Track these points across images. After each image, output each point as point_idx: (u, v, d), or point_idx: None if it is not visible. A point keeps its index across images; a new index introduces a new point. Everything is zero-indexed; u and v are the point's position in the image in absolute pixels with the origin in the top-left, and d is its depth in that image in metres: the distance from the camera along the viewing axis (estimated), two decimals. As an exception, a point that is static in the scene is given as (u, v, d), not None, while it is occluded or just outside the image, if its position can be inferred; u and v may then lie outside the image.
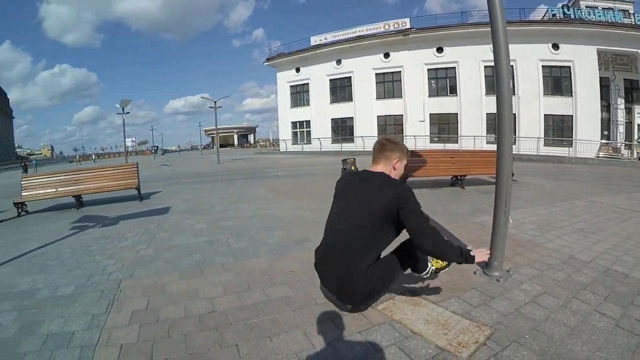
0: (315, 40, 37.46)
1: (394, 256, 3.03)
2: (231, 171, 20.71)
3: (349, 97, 36.24)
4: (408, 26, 32.04)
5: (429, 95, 32.12)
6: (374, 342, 2.68)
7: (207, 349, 2.72)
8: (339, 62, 36.20)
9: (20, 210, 9.25)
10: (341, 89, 36.97)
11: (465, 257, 2.95)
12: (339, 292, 3.01)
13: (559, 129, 27.87)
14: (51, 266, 4.90)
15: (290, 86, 40.51)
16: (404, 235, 2.91)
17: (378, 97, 34.53)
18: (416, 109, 32.17)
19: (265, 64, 41.84)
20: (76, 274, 4.53)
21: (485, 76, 28.98)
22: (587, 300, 3.25)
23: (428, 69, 31.91)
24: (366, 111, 34.70)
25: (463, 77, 29.72)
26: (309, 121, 39.16)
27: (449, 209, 7.53)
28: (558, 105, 27.43)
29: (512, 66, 26.33)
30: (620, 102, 27.68)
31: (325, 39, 36.78)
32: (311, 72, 38.06)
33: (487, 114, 28.28)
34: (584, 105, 26.33)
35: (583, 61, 26.05)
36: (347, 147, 34.01)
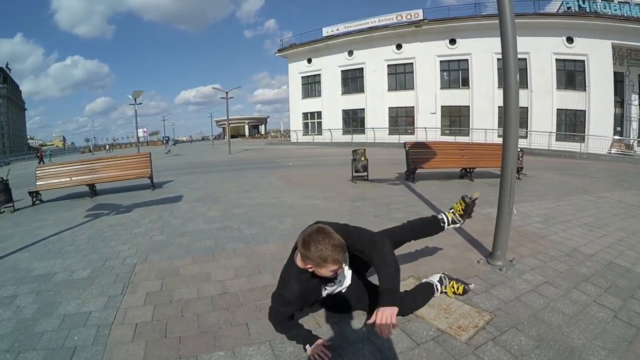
0: (327, 31, 37.12)
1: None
2: (242, 161, 20.85)
3: (360, 89, 35.96)
4: (421, 17, 31.58)
5: (441, 88, 31.71)
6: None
7: (218, 327, 2.87)
8: (350, 53, 35.89)
9: (34, 199, 9.45)
10: (353, 80, 36.66)
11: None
12: None
13: (572, 123, 27.34)
14: (67, 252, 5.08)
15: (302, 77, 40.27)
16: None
17: (390, 89, 34.21)
18: (428, 101, 31.82)
19: (277, 54, 41.62)
20: (92, 258, 4.71)
21: (498, 69, 27.80)
22: (587, 292, 3.32)
23: (440, 61, 31.47)
24: (377, 103, 34.42)
25: (476, 70, 29.26)
26: (320, 112, 38.96)
27: (456, 200, 7.51)
28: (571, 99, 26.91)
29: (525, 59, 26.07)
30: (635, 98, 27.09)
31: (337, 29, 36.44)
32: (323, 63, 37.79)
33: (499, 107, 27.64)
34: (597, 100, 25.79)
35: (597, 55, 25.47)
36: (357, 138, 33.96)
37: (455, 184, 9.86)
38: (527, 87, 27.40)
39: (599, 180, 11.39)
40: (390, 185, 9.59)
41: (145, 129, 70.95)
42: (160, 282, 3.80)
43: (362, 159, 10.08)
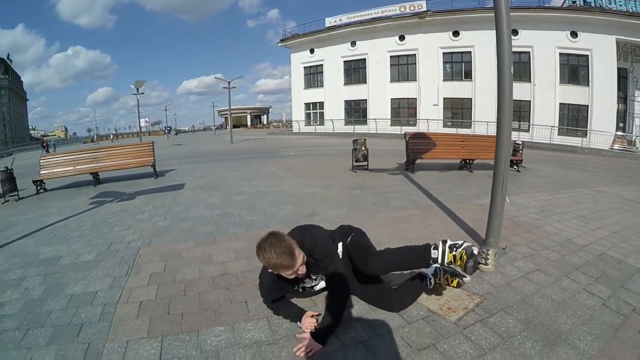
0: (330, 21, 36.94)
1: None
2: (244, 151, 20.90)
3: (363, 79, 35.86)
4: (424, 9, 31.33)
5: (444, 80, 31.59)
6: (372, 303, 2.94)
7: (219, 304, 3.03)
8: (353, 44, 35.77)
9: (39, 188, 9.56)
10: (355, 71, 36.54)
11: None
12: None
13: (574, 118, 27.21)
14: (72, 237, 5.22)
15: (304, 67, 40.16)
16: None
17: (392, 80, 34.10)
18: (430, 92, 31.73)
19: (280, 44, 41.48)
20: (97, 243, 4.85)
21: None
22: (578, 280, 3.41)
23: (443, 53, 31.32)
24: (380, 94, 34.36)
25: (479, 62, 29.04)
26: (323, 102, 38.89)
27: (454, 191, 7.66)
28: (574, 94, 26.78)
29: (528, 52, 26.08)
30: (638, 95, 26.92)
31: (340, 20, 36.25)
32: (325, 53, 37.67)
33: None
34: (600, 95, 25.70)
35: (601, 51, 25.35)
36: (359, 129, 33.93)
37: (454, 175, 9.94)
38: (530, 81, 27.41)
39: (598, 175, 11.46)
40: (389, 175, 9.69)
41: (147, 119, 70.97)
42: (164, 264, 3.94)
43: (363, 148, 10.17)
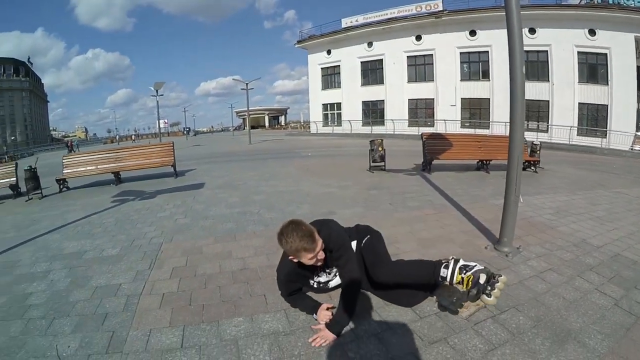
0: (346, 22, 36.95)
1: None
2: (262, 151, 21.12)
3: (380, 80, 35.76)
4: (440, 8, 31.10)
5: (461, 80, 31.31)
6: (385, 297, 3.02)
7: (238, 297, 3.17)
8: (370, 44, 35.74)
9: (61, 187, 9.89)
10: (372, 72, 36.49)
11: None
12: None
13: (593, 118, 26.60)
14: (96, 233, 5.44)
15: (322, 68, 40.27)
16: None
17: (409, 80, 33.93)
18: (447, 93, 31.50)
19: (297, 46, 41.66)
20: (120, 238, 5.05)
21: None
22: (591, 280, 3.41)
23: (460, 53, 31.05)
24: (397, 94, 34.22)
25: (496, 62, 28.47)
26: (340, 103, 38.92)
27: (470, 191, 7.67)
28: (593, 93, 26.20)
29: (546, 51, 25.70)
30: (659, 94, 26.38)
31: (357, 21, 36.24)
32: (342, 54, 37.69)
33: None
34: (620, 94, 25.08)
35: (620, 49, 24.77)
36: (377, 130, 33.81)
37: (470, 175, 9.91)
38: (548, 80, 27.03)
39: (617, 176, 11.26)
40: (406, 176, 9.72)
41: (166, 120, 72.19)
42: (185, 259, 4.10)
43: (380, 149, 10.23)
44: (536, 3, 27.16)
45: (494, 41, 28.06)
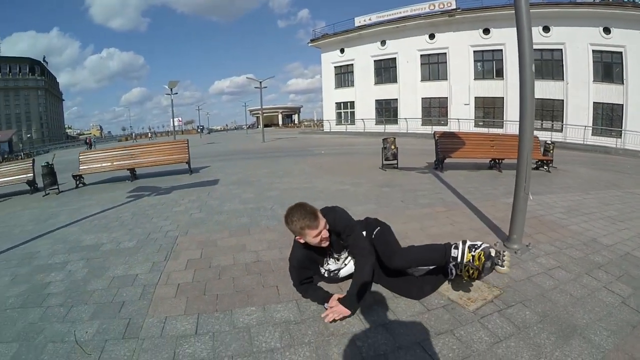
0: (359, 21, 36.83)
1: None
2: (276, 149, 21.27)
3: (393, 79, 35.62)
4: (453, 6, 30.77)
5: (475, 78, 30.98)
6: (394, 291, 3.10)
7: (251, 288, 3.28)
8: (383, 43, 35.59)
9: (78, 182, 10.13)
10: (385, 70, 36.30)
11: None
12: None
13: (608, 118, 26.00)
14: (113, 226, 5.61)
15: (335, 67, 40.16)
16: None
17: (423, 79, 33.75)
18: (461, 91, 31.25)
19: (310, 44, 41.61)
20: (136, 232, 5.21)
21: (535, 59, 27.09)
22: (599, 278, 3.42)
23: (474, 51, 30.71)
24: (410, 93, 34.02)
25: (510, 60, 27.89)
26: (353, 102, 38.83)
27: (482, 189, 7.67)
28: (608, 92, 25.63)
29: (560, 50, 25.38)
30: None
31: (370, 19, 36.12)
32: (355, 53, 37.61)
33: (535, 98, 26.51)
34: (635, 94, 24.49)
35: (635, 47, 24.21)
36: (390, 128, 33.75)
37: (483, 174, 9.89)
38: (562, 79, 26.64)
39: (631, 177, 11.11)
40: (419, 174, 9.74)
41: (180, 118, 72.72)
42: (200, 251, 4.23)
43: (392, 147, 10.28)
44: (550, 1, 26.83)
45: (507, 39, 27.70)
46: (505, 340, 2.44)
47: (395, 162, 10.38)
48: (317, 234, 2.68)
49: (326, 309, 2.77)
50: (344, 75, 39.73)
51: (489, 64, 30.66)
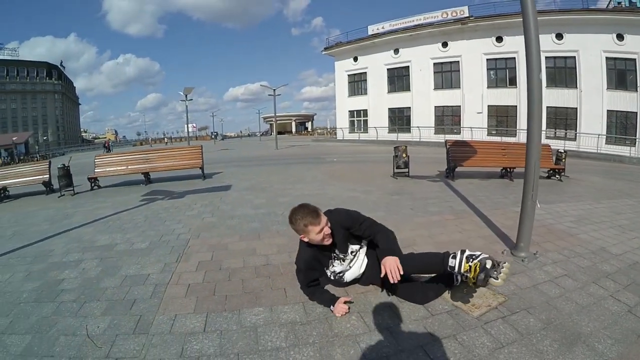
0: (372, 29, 37.01)
1: None
2: (289, 156, 21.44)
3: (406, 87, 35.64)
4: (466, 14, 30.81)
5: (488, 87, 30.86)
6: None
7: (260, 290, 3.36)
8: (396, 51, 35.68)
9: (93, 185, 10.39)
10: (399, 79, 36.37)
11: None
12: None
13: (622, 126, 25.66)
14: (126, 228, 5.77)
15: (348, 75, 40.35)
16: None
17: (436, 87, 33.74)
18: (474, 100, 31.12)
19: (324, 52, 41.91)
20: (149, 234, 5.35)
21: (547, 67, 26.64)
22: (606, 287, 3.39)
23: (487, 59, 30.61)
24: (423, 101, 34.01)
25: (523, 68, 27.47)
26: (366, 110, 38.93)
27: (492, 198, 7.66)
28: (622, 100, 25.29)
29: (574, 57, 25.24)
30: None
31: (383, 28, 36.30)
32: (369, 61, 37.80)
33: (547, 107, 26.39)
34: None
35: None
36: (403, 136, 33.69)
37: (494, 183, 9.85)
38: (576, 87, 26.43)
39: (643, 185, 10.97)
40: (429, 182, 9.76)
41: (194, 124, 73.88)
42: (211, 254, 4.34)
43: (404, 155, 10.31)
44: (563, 8, 26.67)
45: (520, 47, 27.14)
46: (508, 346, 2.46)
47: (406, 170, 10.41)
48: (320, 230, 2.82)
49: (332, 311, 2.85)
50: (357, 84, 39.90)
51: (502, 72, 30.55)
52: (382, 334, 2.61)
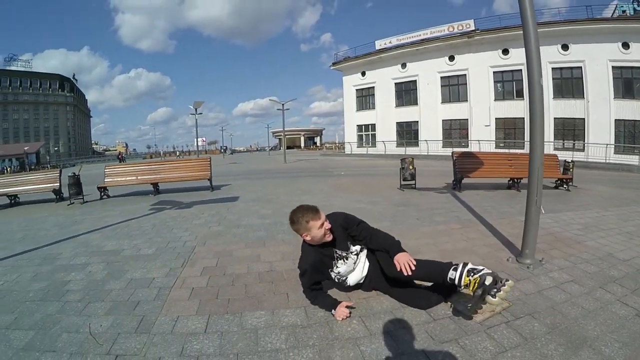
0: (380, 44, 37.42)
1: None
2: (297, 170, 21.51)
3: (414, 101, 35.87)
4: (472, 28, 31.09)
5: (495, 99, 30.97)
6: (403, 301, 3.14)
7: (262, 294, 3.39)
8: (404, 65, 36.01)
9: (102, 194, 10.57)
10: (406, 93, 36.63)
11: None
12: None
13: (630, 135, 25.55)
14: (134, 235, 5.87)
15: (356, 90, 40.73)
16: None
17: (443, 101, 33.92)
18: (481, 113, 31.20)
19: (332, 67, 42.42)
20: (156, 240, 5.42)
21: (553, 78, 27.16)
22: (613, 291, 3.36)
23: (494, 72, 30.77)
24: (431, 115, 34.22)
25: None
26: (374, 124, 39.20)
27: (499, 208, 7.62)
28: (629, 109, 25.22)
29: (580, 67, 25.29)
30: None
31: (390, 42, 36.68)
32: (376, 75, 38.14)
33: (554, 118, 26.77)
34: None
35: None
36: (411, 150, 33.73)
37: (501, 193, 9.80)
38: (583, 97, 26.42)
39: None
40: (436, 194, 9.74)
41: (204, 138, 74.59)
42: (216, 260, 4.39)
43: (410, 167, 10.31)
44: (568, 18, 26.84)
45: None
46: (511, 350, 2.43)
47: (413, 182, 10.39)
48: (321, 225, 2.97)
49: (333, 314, 2.87)
50: (365, 98, 40.19)
51: (509, 85, 30.62)
52: (383, 338, 2.60)
